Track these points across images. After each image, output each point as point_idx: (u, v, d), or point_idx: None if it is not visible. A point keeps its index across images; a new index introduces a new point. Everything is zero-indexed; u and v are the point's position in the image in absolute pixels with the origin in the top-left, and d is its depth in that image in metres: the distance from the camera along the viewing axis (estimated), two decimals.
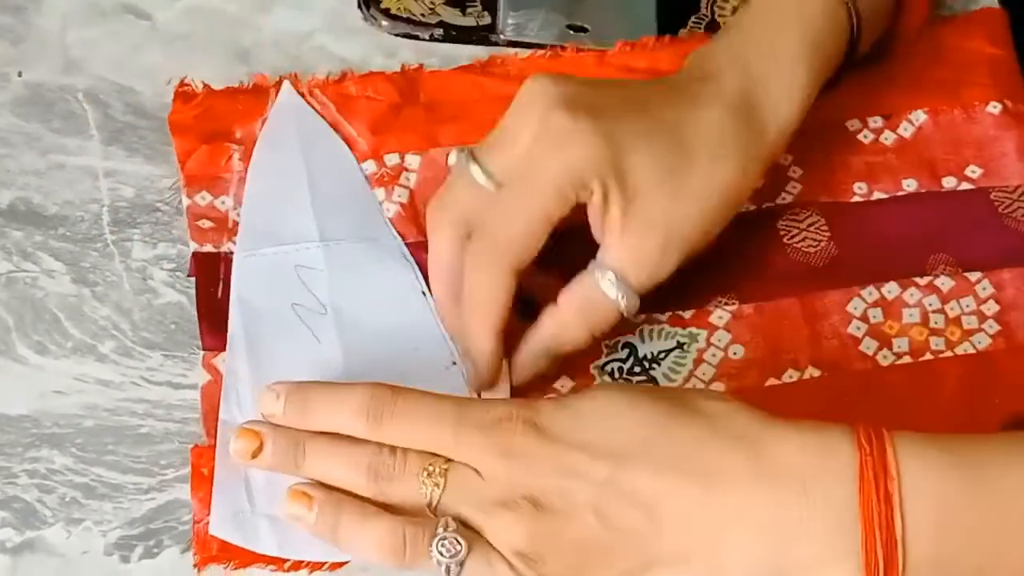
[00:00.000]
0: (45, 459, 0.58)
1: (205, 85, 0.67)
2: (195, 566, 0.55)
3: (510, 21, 0.71)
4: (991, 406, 0.60)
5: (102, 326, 0.61)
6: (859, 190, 0.66)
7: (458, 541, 0.50)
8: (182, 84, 0.67)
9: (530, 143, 0.56)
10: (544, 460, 0.50)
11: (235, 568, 0.55)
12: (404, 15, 0.71)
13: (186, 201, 0.64)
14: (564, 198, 0.56)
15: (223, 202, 0.64)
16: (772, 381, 0.60)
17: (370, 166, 0.66)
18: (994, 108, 0.68)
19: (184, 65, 0.68)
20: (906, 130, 0.68)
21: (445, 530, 0.51)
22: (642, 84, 0.61)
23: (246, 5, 0.71)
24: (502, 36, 0.71)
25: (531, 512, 0.50)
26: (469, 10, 0.71)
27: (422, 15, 0.71)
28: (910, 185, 0.67)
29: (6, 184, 0.65)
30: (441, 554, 0.50)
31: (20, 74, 0.68)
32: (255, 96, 0.67)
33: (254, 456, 0.54)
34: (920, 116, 0.69)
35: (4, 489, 0.57)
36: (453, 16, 0.71)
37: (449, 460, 0.52)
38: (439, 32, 0.71)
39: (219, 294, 0.62)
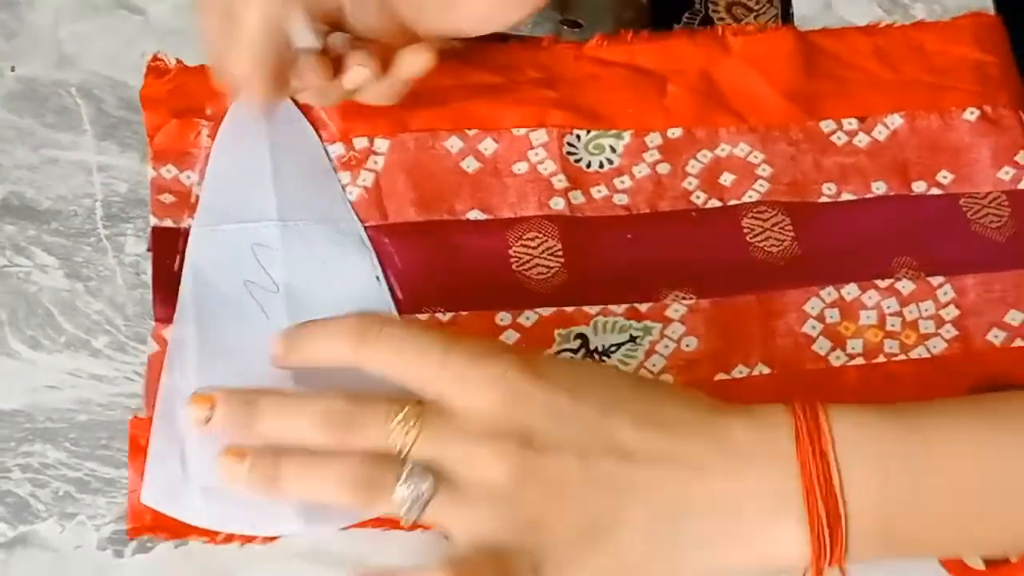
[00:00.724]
0: (38, 453, 0.58)
1: (178, 61, 0.67)
2: (127, 535, 0.55)
3: None
4: None
5: (95, 321, 0.61)
6: (828, 191, 0.66)
7: (424, 479, 0.49)
8: (155, 59, 0.67)
9: None
10: (534, 398, 0.50)
11: (167, 539, 0.55)
12: None
13: (151, 173, 0.64)
14: None
15: (188, 176, 0.64)
16: (721, 375, 0.60)
17: (338, 148, 0.65)
18: (971, 114, 0.68)
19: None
20: (880, 133, 0.68)
21: (412, 469, 0.50)
22: None
23: None
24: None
25: (515, 448, 0.49)
26: None
27: None
28: (879, 188, 0.66)
29: None
30: (406, 491, 0.49)
31: (13, 69, 0.68)
32: None
33: (207, 422, 0.53)
34: (896, 120, 0.68)
35: None
36: None
37: (419, 403, 0.51)
38: None
39: (175, 266, 0.61)
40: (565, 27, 0.71)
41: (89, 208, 0.64)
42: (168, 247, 0.62)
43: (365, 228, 0.63)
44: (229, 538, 0.55)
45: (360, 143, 0.65)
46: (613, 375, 0.54)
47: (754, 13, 0.72)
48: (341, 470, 0.51)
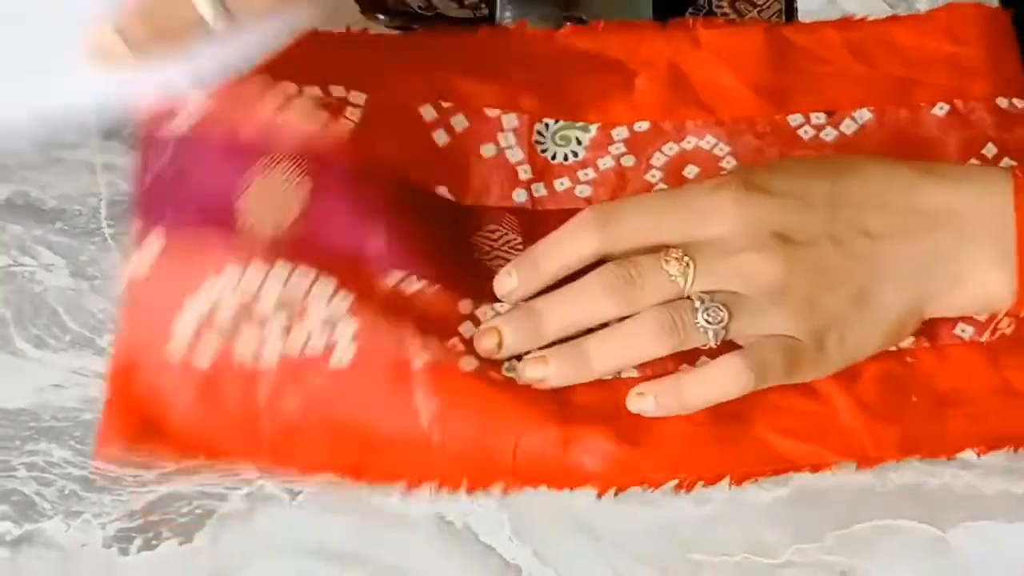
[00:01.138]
0: (44, 452, 0.57)
1: None
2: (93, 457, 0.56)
3: (507, 13, 0.70)
4: (908, 404, 0.59)
5: (100, 320, 0.61)
6: None
7: (720, 307, 0.55)
8: None
9: None
10: (775, 204, 0.57)
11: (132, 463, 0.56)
12: (401, 7, 0.70)
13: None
14: None
15: None
16: (685, 366, 0.59)
17: (314, 91, 0.63)
18: (940, 110, 0.67)
19: None
20: (849, 127, 0.66)
21: (702, 302, 0.55)
22: None
23: None
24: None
25: (780, 246, 0.56)
26: (466, 2, 0.71)
27: (419, 7, 0.71)
28: None
29: (4, 178, 0.64)
30: (708, 322, 0.55)
31: None
32: None
33: (500, 347, 0.58)
34: (865, 114, 0.67)
35: (3, 482, 0.57)
36: (450, 8, 0.71)
37: (680, 246, 0.56)
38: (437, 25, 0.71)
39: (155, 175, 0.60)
40: (569, 23, 0.71)
41: (94, 207, 0.64)
42: (152, 157, 0.60)
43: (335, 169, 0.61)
44: (199, 468, 0.56)
45: (337, 91, 0.64)
46: (825, 168, 0.59)
47: (758, 8, 0.72)
48: (645, 323, 0.56)
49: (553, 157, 0.65)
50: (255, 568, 0.55)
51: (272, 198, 0.60)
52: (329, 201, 0.60)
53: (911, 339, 0.60)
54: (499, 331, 0.58)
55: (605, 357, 0.57)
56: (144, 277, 0.58)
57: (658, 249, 0.57)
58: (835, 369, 0.57)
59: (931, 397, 0.59)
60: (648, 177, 0.65)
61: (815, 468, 0.57)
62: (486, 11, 0.71)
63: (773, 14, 0.71)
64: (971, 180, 0.58)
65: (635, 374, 0.59)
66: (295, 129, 0.61)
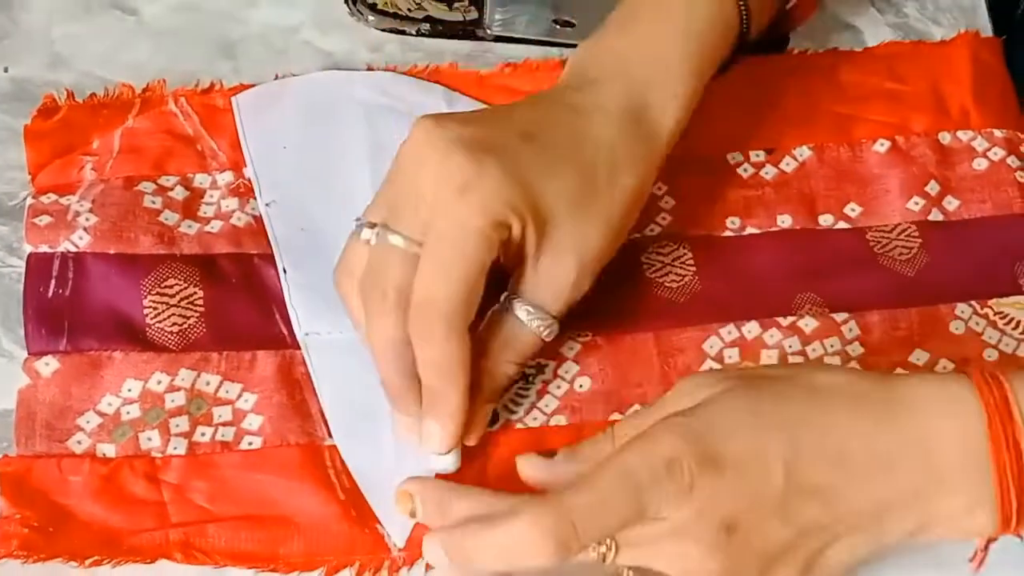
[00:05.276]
0: None
1: (69, 96, 0.65)
2: None
3: (497, 16, 0.70)
4: None
5: None
6: (731, 224, 0.63)
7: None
8: (47, 98, 0.65)
9: (438, 194, 0.53)
10: (727, 487, 0.49)
11: (33, 562, 0.54)
12: (390, 10, 0.69)
13: (30, 201, 0.63)
14: (490, 242, 0.54)
15: (67, 199, 0.63)
16: (616, 415, 0.58)
17: (227, 176, 0.64)
18: (881, 146, 0.66)
19: (170, 60, 0.67)
20: (788, 165, 0.65)
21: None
22: (525, 107, 0.58)
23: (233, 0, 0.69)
24: (489, 31, 0.70)
25: (726, 540, 0.49)
26: (456, 5, 0.70)
27: (408, 10, 0.70)
28: (784, 221, 0.64)
29: None
30: None
31: (6, 69, 0.67)
32: (117, 108, 0.65)
33: (414, 515, 0.53)
34: (805, 151, 0.66)
35: None
36: (440, 11, 0.70)
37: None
38: (426, 27, 0.69)
39: (48, 293, 0.60)
40: (558, 26, 0.71)
41: None
42: (42, 273, 0.61)
43: (251, 256, 0.62)
44: (97, 562, 0.54)
45: (250, 171, 0.64)
46: (785, 418, 0.50)
47: None
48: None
49: None
50: None
51: (169, 309, 0.60)
52: (224, 302, 0.61)
53: None
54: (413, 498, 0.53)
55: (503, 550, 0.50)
56: (40, 395, 0.58)
57: None
58: None
59: None
60: None
61: None
62: (476, 14, 0.70)
63: None
64: (938, 411, 0.50)
65: (563, 421, 0.58)
66: (190, 234, 0.62)
